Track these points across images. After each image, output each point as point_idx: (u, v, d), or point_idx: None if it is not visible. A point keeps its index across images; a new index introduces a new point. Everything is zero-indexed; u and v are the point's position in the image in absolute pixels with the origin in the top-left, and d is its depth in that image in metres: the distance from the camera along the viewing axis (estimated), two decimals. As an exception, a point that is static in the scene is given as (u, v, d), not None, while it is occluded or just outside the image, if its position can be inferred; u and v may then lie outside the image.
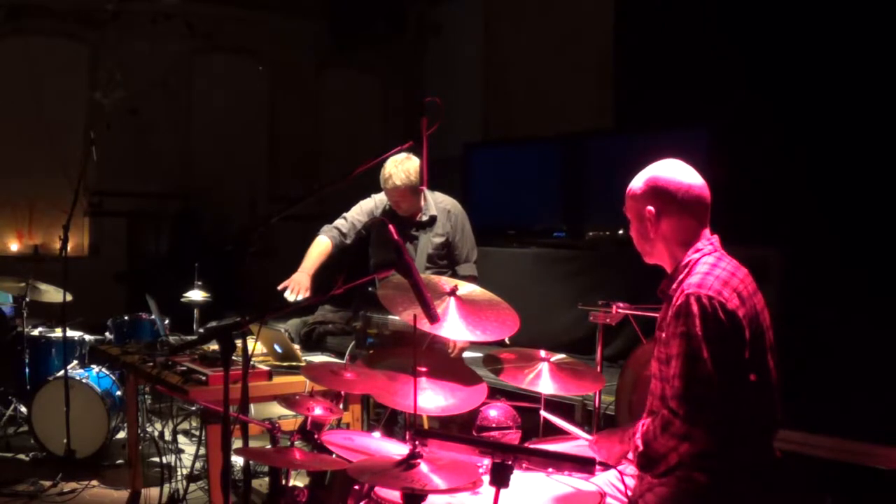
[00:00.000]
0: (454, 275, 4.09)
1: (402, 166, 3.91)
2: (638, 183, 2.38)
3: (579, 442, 2.70)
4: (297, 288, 3.82)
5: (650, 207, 2.33)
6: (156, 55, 8.46)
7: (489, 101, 8.64)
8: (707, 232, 2.35)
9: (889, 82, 4.69)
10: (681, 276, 2.30)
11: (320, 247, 4.06)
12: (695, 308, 2.15)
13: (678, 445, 2.17)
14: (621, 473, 2.37)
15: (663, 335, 2.30)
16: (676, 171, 2.35)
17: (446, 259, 4.16)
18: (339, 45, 9.08)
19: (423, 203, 4.11)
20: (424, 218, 4.11)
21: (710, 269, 2.24)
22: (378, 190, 4.12)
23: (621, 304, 3.48)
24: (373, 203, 4.20)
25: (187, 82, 8.86)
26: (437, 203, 4.15)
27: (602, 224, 5.91)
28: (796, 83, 5.10)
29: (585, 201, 6.30)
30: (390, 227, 2.53)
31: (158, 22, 8.46)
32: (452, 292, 2.81)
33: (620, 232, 5.67)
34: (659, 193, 2.33)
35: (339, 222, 4.16)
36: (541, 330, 5.14)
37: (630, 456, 2.33)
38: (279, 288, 3.83)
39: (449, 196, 4.25)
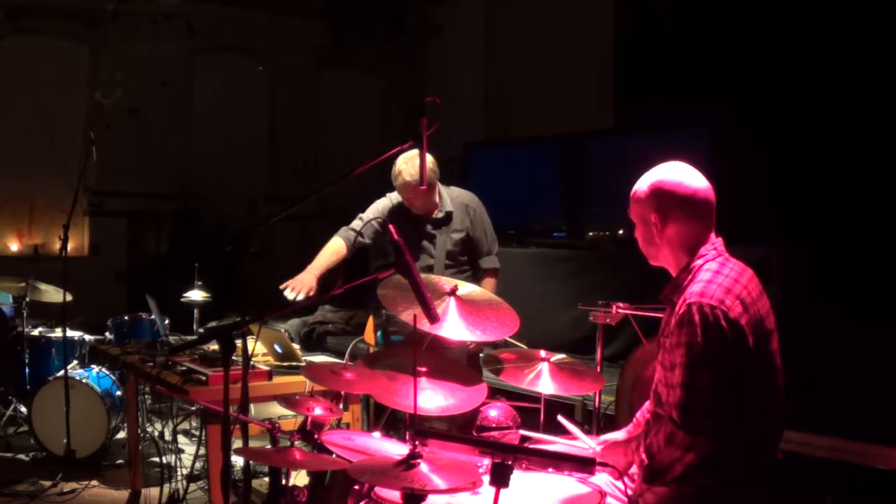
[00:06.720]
0: (476, 269, 4.05)
1: (412, 162, 3.83)
2: (642, 187, 2.36)
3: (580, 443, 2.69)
4: (299, 287, 3.75)
5: (655, 212, 2.31)
6: (156, 55, 8.46)
7: (489, 101, 8.64)
8: (712, 235, 2.33)
9: (888, 82, 4.70)
10: (684, 283, 2.27)
11: (332, 248, 3.97)
12: (696, 318, 2.13)
13: (683, 456, 2.17)
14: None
15: (667, 342, 2.28)
16: (681, 175, 2.32)
17: (467, 255, 4.05)
18: (339, 45, 9.07)
19: (438, 200, 4.02)
20: (440, 215, 4.01)
21: (712, 276, 2.21)
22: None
23: (621, 304, 3.48)
24: (388, 201, 4.10)
25: (187, 82, 8.85)
26: (453, 198, 4.05)
27: (602, 224, 5.90)
28: (796, 83, 5.10)
29: (585, 201, 6.29)
30: (391, 227, 2.52)
31: (158, 22, 8.46)
32: (452, 292, 2.81)
33: (620, 232, 5.66)
34: (664, 197, 2.30)
35: (354, 223, 4.07)
36: (541, 330, 5.14)
37: (634, 469, 2.33)
38: (281, 287, 3.78)
39: (465, 190, 4.17)
